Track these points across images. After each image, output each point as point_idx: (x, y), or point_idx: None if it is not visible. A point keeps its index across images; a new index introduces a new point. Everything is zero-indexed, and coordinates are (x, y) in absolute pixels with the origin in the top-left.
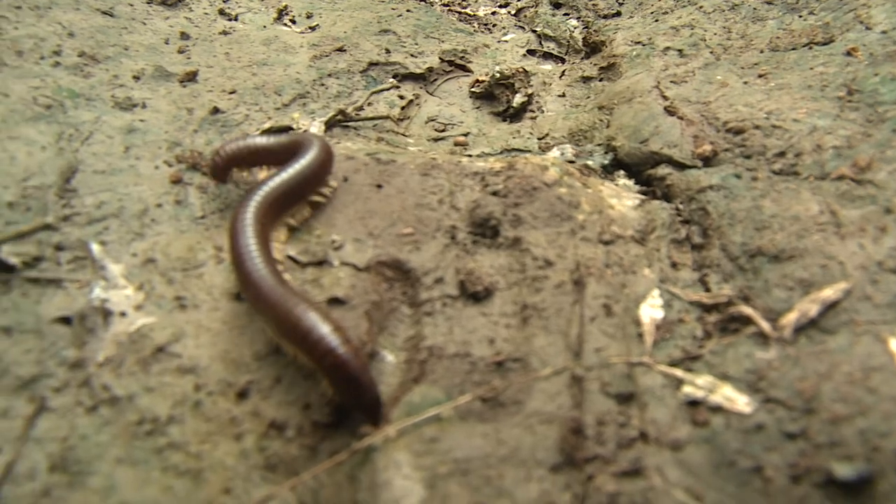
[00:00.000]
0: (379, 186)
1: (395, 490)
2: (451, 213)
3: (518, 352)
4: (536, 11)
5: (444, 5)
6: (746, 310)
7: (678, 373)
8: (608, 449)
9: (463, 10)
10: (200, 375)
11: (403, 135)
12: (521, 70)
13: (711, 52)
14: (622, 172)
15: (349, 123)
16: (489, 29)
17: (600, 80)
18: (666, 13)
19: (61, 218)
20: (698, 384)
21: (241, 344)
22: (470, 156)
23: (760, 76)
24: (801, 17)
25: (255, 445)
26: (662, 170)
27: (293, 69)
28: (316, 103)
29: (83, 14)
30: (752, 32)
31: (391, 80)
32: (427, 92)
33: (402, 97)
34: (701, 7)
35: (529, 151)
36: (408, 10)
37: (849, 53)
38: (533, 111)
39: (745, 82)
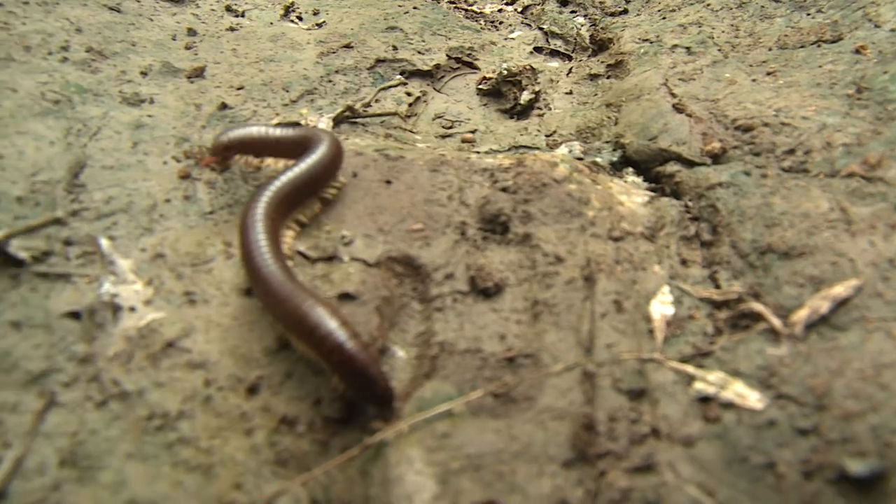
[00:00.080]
0: (388, 182)
1: (408, 485)
2: (461, 209)
3: (529, 348)
4: (543, 9)
5: (451, 2)
6: (757, 306)
7: (689, 369)
8: (620, 445)
9: (469, 8)
10: (210, 371)
11: (411, 131)
12: (528, 67)
13: (719, 50)
14: (631, 170)
15: (357, 120)
16: (496, 26)
17: (608, 77)
18: (673, 11)
19: (70, 213)
20: (710, 380)
21: (251, 339)
22: (478, 152)
23: (769, 74)
24: (809, 14)
25: (265, 441)
26: (671, 167)
27: (300, 65)
28: (324, 99)
29: (91, 10)
30: (761, 30)
31: (398, 76)
32: (434, 89)
33: (409, 94)
34: (708, 5)
35: (537, 148)
36: (414, 8)
37: (857, 51)
38: (540, 108)
39: (754, 80)
